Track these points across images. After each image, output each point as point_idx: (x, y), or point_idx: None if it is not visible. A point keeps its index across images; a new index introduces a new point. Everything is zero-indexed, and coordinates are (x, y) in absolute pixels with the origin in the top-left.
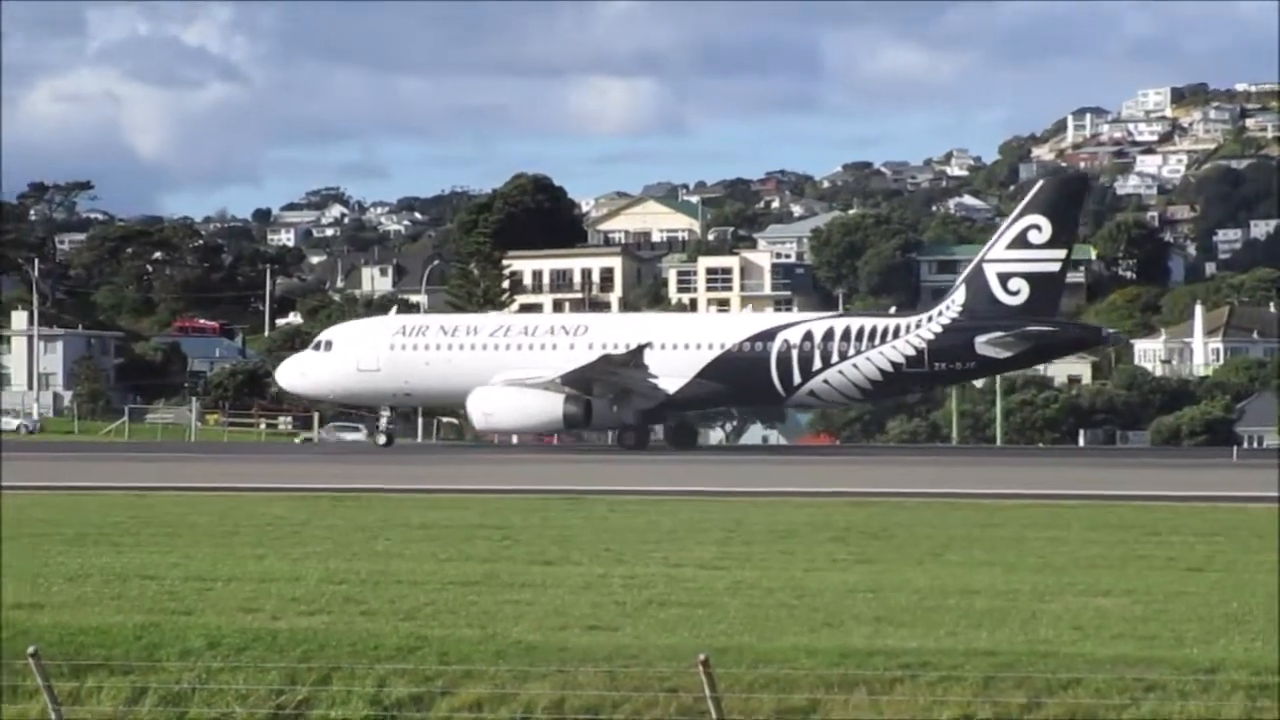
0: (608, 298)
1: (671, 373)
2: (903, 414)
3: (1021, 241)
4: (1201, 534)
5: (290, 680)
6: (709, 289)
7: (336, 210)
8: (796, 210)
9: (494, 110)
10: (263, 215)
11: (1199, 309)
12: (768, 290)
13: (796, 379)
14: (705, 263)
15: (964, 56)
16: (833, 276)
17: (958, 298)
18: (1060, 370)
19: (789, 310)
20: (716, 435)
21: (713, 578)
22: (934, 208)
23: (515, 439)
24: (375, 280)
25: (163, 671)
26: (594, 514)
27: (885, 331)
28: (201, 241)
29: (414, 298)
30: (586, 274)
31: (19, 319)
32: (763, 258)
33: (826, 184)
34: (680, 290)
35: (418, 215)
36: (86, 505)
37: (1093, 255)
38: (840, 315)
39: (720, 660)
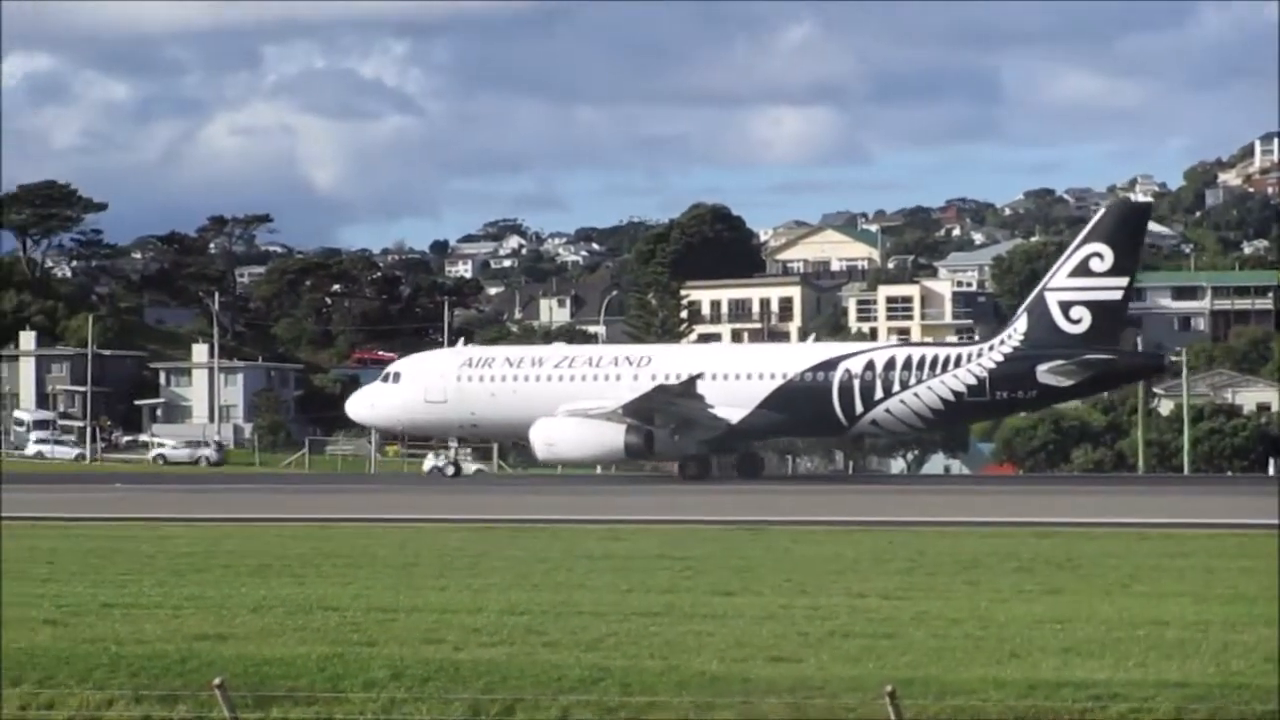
0: (787, 327)
1: (733, 402)
2: (1087, 442)
3: (1083, 270)
4: None
5: (474, 712)
6: (889, 318)
7: (514, 241)
8: (977, 238)
9: (671, 140)
10: (440, 247)
11: None
12: (948, 319)
13: (858, 408)
14: (885, 291)
15: (1148, 81)
16: (1015, 305)
17: (1019, 326)
18: (1249, 398)
19: (971, 339)
20: (898, 465)
21: (897, 608)
22: None
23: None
24: (553, 311)
25: (347, 703)
26: (775, 544)
27: (947, 361)
28: (380, 273)
29: (592, 328)
30: (765, 304)
31: (200, 352)
32: (943, 286)
33: (1008, 211)
34: (860, 319)
35: (595, 246)
36: (268, 537)
37: None
38: (901, 345)
39: (906, 692)
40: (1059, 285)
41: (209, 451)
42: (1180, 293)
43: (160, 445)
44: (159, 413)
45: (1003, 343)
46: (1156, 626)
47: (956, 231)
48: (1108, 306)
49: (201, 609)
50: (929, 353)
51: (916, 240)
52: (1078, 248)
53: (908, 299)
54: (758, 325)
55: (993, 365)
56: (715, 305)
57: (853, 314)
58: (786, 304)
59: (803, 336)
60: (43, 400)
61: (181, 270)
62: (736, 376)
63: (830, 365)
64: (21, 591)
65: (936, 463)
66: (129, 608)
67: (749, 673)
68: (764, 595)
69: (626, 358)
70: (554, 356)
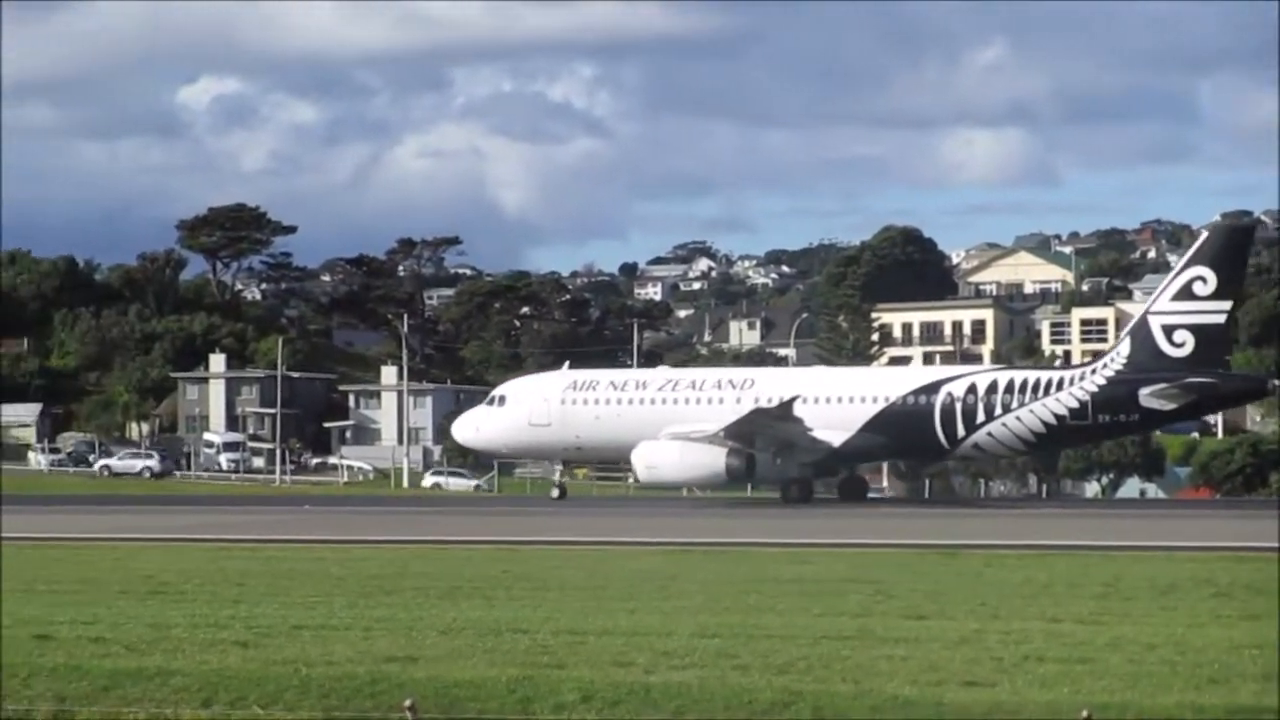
0: (979, 350)
1: (836, 426)
2: None
3: (1187, 293)
4: None
5: None
6: (1083, 340)
7: (703, 263)
8: (1173, 260)
9: (862, 162)
10: (629, 269)
11: None
12: None
13: (960, 432)
14: (1079, 314)
15: None
16: None
17: (1122, 350)
18: None
19: None
20: (1092, 489)
21: (1092, 633)
22: None
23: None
24: (743, 333)
25: None
26: (968, 568)
27: (1049, 384)
28: (569, 295)
29: (782, 351)
30: (957, 326)
31: (389, 374)
32: (1138, 309)
33: (1204, 234)
34: (1054, 342)
35: (785, 268)
36: (458, 559)
37: None
38: (1004, 368)
39: (1102, 717)
40: (1162, 309)
41: (152, 463)
42: None
43: (107, 457)
44: (348, 435)
45: (1105, 366)
46: None
47: (1152, 254)
48: (1211, 330)
49: (391, 631)
50: (1031, 376)
51: (1111, 262)
52: (1181, 271)
53: (1102, 321)
54: (949, 348)
55: (1095, 389)
56: (906, 328)
57: (1046, 337)
58: (979, 326)
59: (995, 359)
60: (232, 422)
61: (370, 293)
62: (839, 400)
63: (932, 389)
64: (211, 613)
65: (1132, 486)
66: (319, 629)
67: (942, 697)
68: (956, 619)
69: (730, 381)
70: (657, 380)
